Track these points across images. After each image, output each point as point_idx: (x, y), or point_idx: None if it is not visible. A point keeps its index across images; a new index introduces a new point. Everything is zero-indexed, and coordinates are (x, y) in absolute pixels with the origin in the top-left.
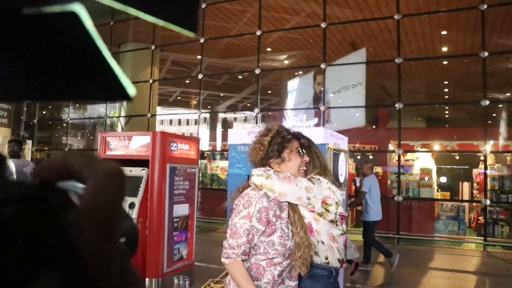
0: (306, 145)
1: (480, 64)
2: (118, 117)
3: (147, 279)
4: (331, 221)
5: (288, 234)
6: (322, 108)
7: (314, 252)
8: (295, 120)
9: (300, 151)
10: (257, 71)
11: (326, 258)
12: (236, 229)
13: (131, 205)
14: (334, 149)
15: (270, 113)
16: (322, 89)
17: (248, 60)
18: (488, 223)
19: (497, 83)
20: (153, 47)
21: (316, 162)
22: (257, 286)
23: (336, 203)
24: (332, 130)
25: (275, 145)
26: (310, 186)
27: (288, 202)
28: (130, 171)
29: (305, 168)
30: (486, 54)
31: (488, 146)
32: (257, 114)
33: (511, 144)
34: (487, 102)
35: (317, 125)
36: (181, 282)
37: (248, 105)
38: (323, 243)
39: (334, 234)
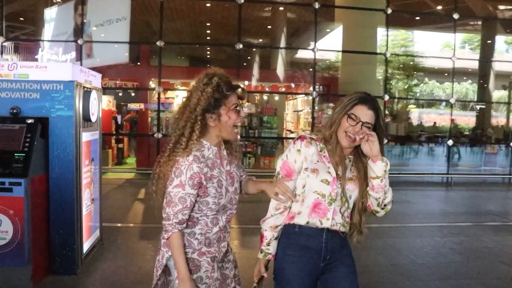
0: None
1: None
2: None
3: None
4: None
5: (221, 192)
6: (80, 41)
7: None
8: (50, 53)
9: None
10: None
11: None
12: (171, 198)
13: None
14: (85, 87)
15: (20, 43)
16: (84, 21)
17: None
18: None
19: (252, 29)
20: None
21: None
22: (192, 233)
23: None
24: (94, 65)
25: (213, 100)
26: None
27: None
28: None
29: (240, 123)
30: (242, 1)
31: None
32: (2, 43)
33: (260, 85)
34: (241, 46)
35: (76, 59)
36: None
37: None
38: None
39: None
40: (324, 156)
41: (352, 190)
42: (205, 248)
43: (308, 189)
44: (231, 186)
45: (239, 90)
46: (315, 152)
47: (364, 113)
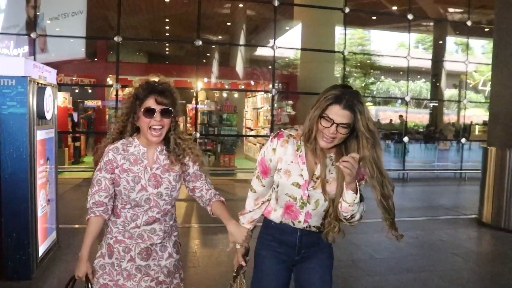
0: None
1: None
2: None
3: None
4: None
5: (134, 187)
6: (33, 35)
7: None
8: (0, 46)
9: (152, 110)
10: None
11: None
12: (92, 181)
13: None
14: (39, 83)
15: None
16: (37, 13)
17: None
18: None
19: (211, 26)
20: None
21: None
22: (114, 222)
23: None
24: (49, 60)
25: (133, 103)
26: None
27: None
28: None
29: (158, 127)
30: None
31: (200, 83)
32: None
33: (220, 82)
34: (200, 43)
35: (29, 54)
36: None
37: None
38: None
39: None
40: (299, 156)
41: (330, 191)
42: (121, 237)
43: (281, 191)
44: (153, 188)
45: (156, 95)
46: (290, 152)
47: (339, 114)
